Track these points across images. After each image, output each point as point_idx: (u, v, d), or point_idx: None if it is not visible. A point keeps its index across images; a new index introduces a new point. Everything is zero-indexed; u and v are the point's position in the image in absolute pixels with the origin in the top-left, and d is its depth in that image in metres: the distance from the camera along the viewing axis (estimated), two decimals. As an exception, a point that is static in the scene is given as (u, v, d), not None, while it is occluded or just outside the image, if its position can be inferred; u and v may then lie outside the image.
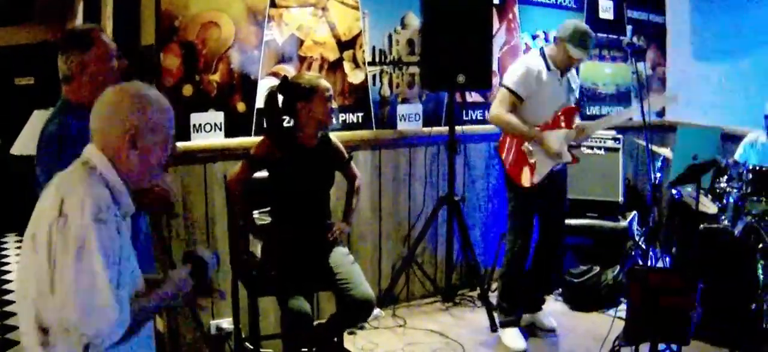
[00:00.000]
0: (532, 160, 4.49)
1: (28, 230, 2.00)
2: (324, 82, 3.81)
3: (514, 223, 4.65)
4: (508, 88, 4.49)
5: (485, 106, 5.65)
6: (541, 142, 4.45)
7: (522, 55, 5.65)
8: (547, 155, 4.48)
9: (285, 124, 3.97)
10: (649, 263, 4.69)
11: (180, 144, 4.28)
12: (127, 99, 2.06)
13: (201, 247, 2.39)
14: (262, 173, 3.87)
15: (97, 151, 2.04)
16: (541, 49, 4.64)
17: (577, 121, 4.59)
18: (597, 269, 5.34)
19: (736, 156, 5.41)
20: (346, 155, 4.07)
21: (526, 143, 4.49)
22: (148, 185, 2.21)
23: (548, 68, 4.51)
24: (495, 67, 5.60)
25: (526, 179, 4.51)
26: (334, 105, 3.88)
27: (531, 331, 4.88)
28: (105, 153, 2.04)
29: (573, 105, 4.62)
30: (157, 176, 2.20)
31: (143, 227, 2.92)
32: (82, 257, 1.86)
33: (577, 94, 4.72)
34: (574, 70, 4.70)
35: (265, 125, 4.42)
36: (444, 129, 5.34)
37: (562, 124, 4.49)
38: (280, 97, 3.87)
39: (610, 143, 5.73)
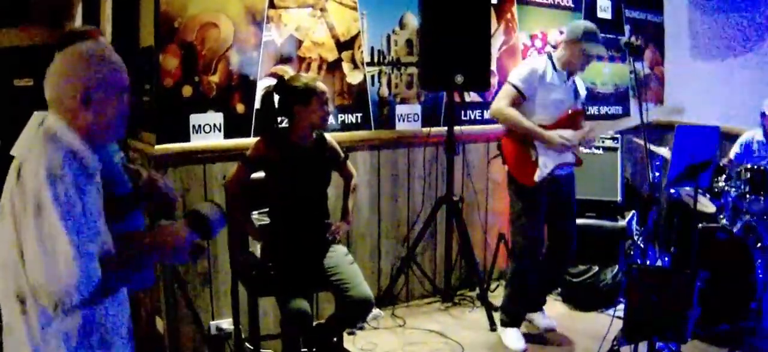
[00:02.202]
0: (534, 159, 4.48)
1: None
2: (320, 85, 3.80)
3: (519, 224, 4.60)
4: (511, 84, 4.49)
5: (484, 106, 5.66)
6: (542, 139, 4.44)
7: (520, 55, 5.67)
8: (550, 151, 4.46)
9: (280, 125, 3.97)
10: (647, 263, 4.70)
11: (179, 145, 4.30)
12: (74, 60, 2.07)
13: (208, 203, 2.33)
14: (260, 174, 3.88)
15: (54, 116, 2.05)
16: (549, 54, 4.64)
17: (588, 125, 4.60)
18: (596, 268, 5.34)
19: (732, 154, 5.42)
20: (342, 155, 4.08)
21: (532, 142, 4.48)
22: (111, 139, 2.20)
23: (555, 69, 4.52)
24: (493, 67, 5.61)
25: (528, 178, 4.48)
26: (331, 108, 3.88)
27: (530, 331, 4.88)
28: (62, 116, 2.05)
29: (579, 108, 4.63)
30: (120, 132, 2.19)
31: (142, 228, 2.91)
32: (40, 215, 1.87)
33: (583, 99, 4.72)
34: (580, 78, 4.70)
35: (260, 126, 4.43)
36: (443, 129, 5.35)
37: (568, 125, 4.49)
38: (277, 98, 3.87)
39: (608, 143, 5.73)
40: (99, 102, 2.07)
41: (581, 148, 4.61)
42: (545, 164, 4.46)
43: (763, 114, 5.16)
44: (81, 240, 1.90)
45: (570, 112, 4.54)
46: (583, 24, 4.52)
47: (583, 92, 4.70)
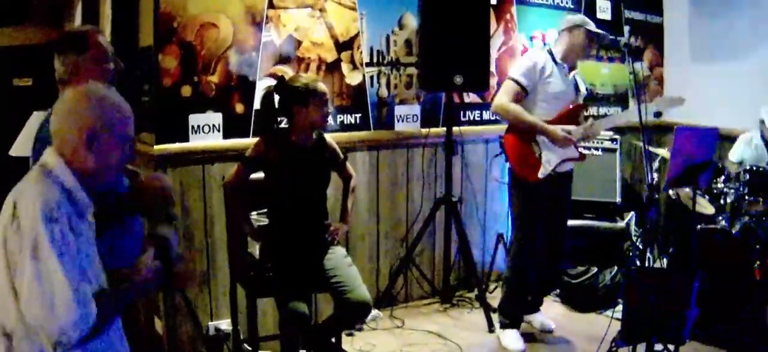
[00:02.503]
0: (537, 155, 4.48)
1: None
2: (320, 86, 3.81)
3: (520, 220, 4.60)
4: (512, 79, 4.48)
5: (483, 107, 5.66)
6: (546, 133, 4.43)
7: (519, 56, 5.67)
8: (553, 146, 4.45)
9: (280, 125, 3.97)
10: (646, 264, 4.70)
11: (178, 145, 4.30)
12: (84, 100, 2.07)
13: (162, 226, 2.35)
14: (259, 175, 3.88)
15: (53, 152, 2.06)
16: (549, 48, 4.64)
17: (601, 120, 4.61)
18: (594, 269, 5.34)
19: (731, 155, 5.42)
20: (341, 155, 4.08)
21: (534, 137, 4.48)
22: (108, 183, 2.18)
23: (555, 63, 4.51)
24: (492, 68, 5.61)
25: (532, 175, 4.48)
26: (330, 108, 3.88)
27: (528, 332, 4.88)
28: (62, 154, 2.05)
29: (581, 102, 4.63)
30: (118, 178, 2.20)
31: (139, 230, 2.91)
32: (37, 256, 1.88)
33: (584, 94, 4.72)
34: (580, 74, 4.70)
35: (260, 126, 4.43)
36: (441, 130, 5.35)
37: (569, 119, 4.50)
38: (276, 98, 3.88)
39: (607, 144, 5.73)
40: (103, 146, 2.07)
41: (582, 144, 4.60)
42: (549, 161, 4.46)
43: (762, 121, 5.16)
44: (77, 280, 1.91)
45: (571, 106, 4.53)
46: (578, 15, 4.55)
47: (583, 88, 4.69)
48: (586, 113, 5.42)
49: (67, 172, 2.03)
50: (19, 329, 1.95)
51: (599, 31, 4.57)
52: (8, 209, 1.96)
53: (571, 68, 4.58)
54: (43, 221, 1.89)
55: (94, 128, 2.04)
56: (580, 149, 4.55)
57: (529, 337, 4.79)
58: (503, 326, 4.76)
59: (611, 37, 4.75)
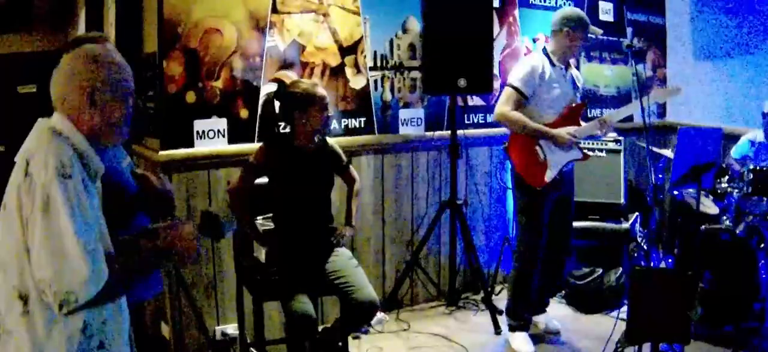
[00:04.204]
0: (542, 159, 4.49)
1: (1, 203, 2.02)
2: (320, 91, 3.82)
3: (526, 223, 4.60)
4: (512, 87, 4.48)
5: (487, 109, 5.67)
6: (550, 137, 4.43)
7: (523, 57, 5.67)
8: (557, 149, 4.46)
9: (281, 130, 3.99)
10: (651, 265, 4.70)
11: (183, 151, 4.31)
12: (82, 61, 2.08)
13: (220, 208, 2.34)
14: (263, 180, 3.89)
15: (61, 117, 2.06)
16: (544, 48, 4.64)
17: (603, 115, 4.59)
18: (599, 271, 5.34)
19: (733, 152, 5.40)
20: (344, 159, 4.10)
21: (538, 142, 4.49)
22: (115, 141, 2.19)
23: (552, 64, 4.52)
24: (496, 70, 5.62)
25: (537, 179, 4.48)
26: (330, 112, 3.90)
27: (534, 333, 4.87)
28: (68, 116, 2.06)
29: (579, 102, 4.63)
30: (125, 134, 2.20)
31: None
32: (48, 213, 1.88)
33: (581, 90, 4.73)
34: (576, 70, 4.71)
35: (262, 132, 4.44)
36: (446, 133, 5.35)
37: (570, 120, 4.50)
38: (277, 104, 3.89)
39: (611, 145, 5.73)
40: (105, 103, 2.08)
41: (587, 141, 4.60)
42: (555, 163, 4.47)
43: (764, 114, 5.16)
44: (88, 239, 1.90)
45: (573, 106, 4.55)
46: (564, 9, 4.56)
47: (580, 83, 4.71)
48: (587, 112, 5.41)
49: (77, 134, 2.04)
50: (33, 291, 1.94)
51: (583, 23, 4.52)
52: (21, 169, 1.95)
53: (567, 66, 4.60)
54: (57, 177, 1.89)
55: (95, 86, 2.06)
56: (584, 150, 4.56)
57: (535, 338, 4.78)
58: (512, 329, 4.75)
59: (599, 30, 4.71)
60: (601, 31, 4.71)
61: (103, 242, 1.99)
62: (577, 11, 4.60)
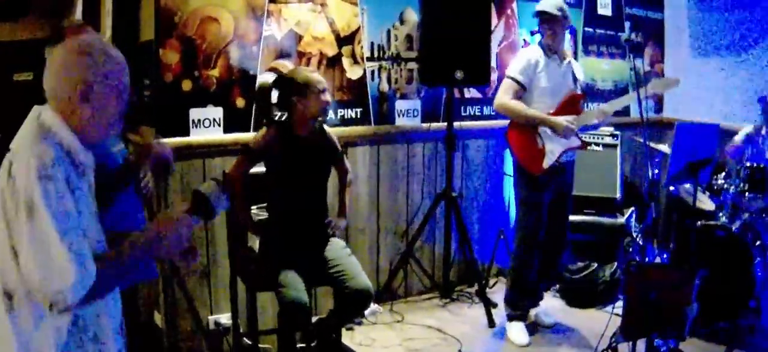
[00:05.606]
0: (540, 146, 4.53)
1: None
2: (318, 77, 3.85)
3: (525, 208, 4.65)
4: (510, 77, 4.58)
5: (483, 102, 5.66)
6: (549, 125, 4.47)
7: (520, 49, 5.67)
8: (555, 137, 4.49)
9: (278, 118, 3.98)
10: (646, 260, 4.70)
11: (179, 139, 4.29)
12: (75, 54, 2.03)
13: (208, 182, 2.24)
14: (259, 168, 3.89)
15: (51, 112, 2.02)
16: (540, 41, 4.67)
17: (600, 105, 4.60)
18: (594, 265, 5.35)
19: (737, 139, 5.26)
20: (339, 149, 4.10)
21: (537, 130, 4.52)
22: (107, 137, 2.15)
23: (547, 56, 4.58)
24: (493, 63, 5.61)
25: (537, 165, 4.54)
26: (329, 98, 3.90)
27: (527, 325, 4.88)
28: (59, 111, 2.01)
29: (579, 93, 4.65)
30: (117, 129, 2.16)
31: (136, 216, 2.88)
32: (32, 217, 1.85)
33: (582, 84, 4.75)
34: (575, 61, 4.72)
35: (264, 119, 4.42)
36: (442, 125, 5.34)
37: (569, 109, 4.52)
38: (275, 93, 3.89)
39: (608, 140, 5.73)
40: (99, 98, 2.03)
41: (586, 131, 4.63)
42: (553, 151, 4.53)
43: (760, 99, 5.09)
44: (74, 241, 1.88)
45: (570, 96, 4.58)
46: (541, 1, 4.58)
47: (581, 77, 4.74)
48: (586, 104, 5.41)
49: (66, 130, 2.00)
50: (19, 289, 1.93)
51: (550, 15, 4.53)
52: (5, 170, 1.93)
53: (563, 57, 4.63)
54: (38, 179, 1.86)
55: (87, 80, 2.00)
56: (581, 137, 4.60)
57: (528, 330, 4.79)
58: (510, 318, 4.80)
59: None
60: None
61: (96, 237, 1.98)
62: (546, 3, 4.57)
